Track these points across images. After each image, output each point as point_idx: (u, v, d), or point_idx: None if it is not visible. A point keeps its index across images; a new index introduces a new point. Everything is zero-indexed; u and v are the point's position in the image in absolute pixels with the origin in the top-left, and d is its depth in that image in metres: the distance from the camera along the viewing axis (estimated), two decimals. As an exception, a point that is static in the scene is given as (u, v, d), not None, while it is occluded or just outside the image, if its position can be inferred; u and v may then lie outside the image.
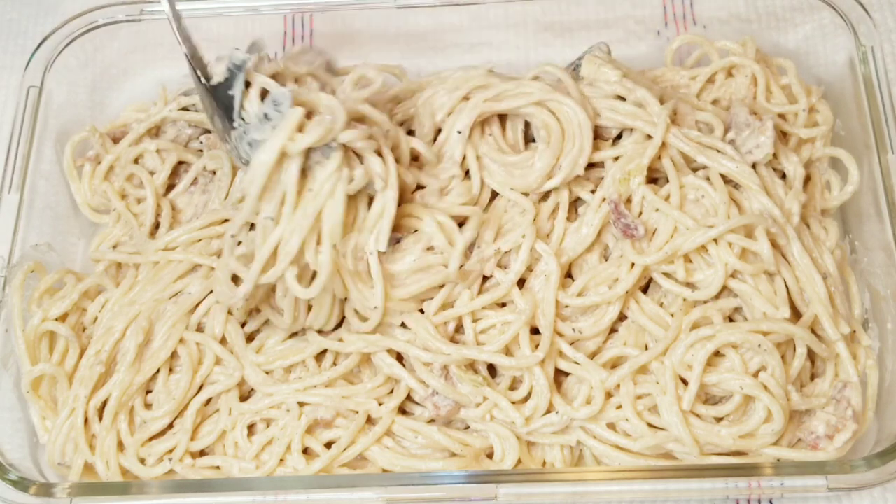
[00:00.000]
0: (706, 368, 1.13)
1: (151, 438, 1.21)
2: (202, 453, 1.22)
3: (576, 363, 1.17)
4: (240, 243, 1.14)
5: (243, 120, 1.10)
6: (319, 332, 1.20)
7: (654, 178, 1.23)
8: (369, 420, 1.18)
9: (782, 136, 1.29)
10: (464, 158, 1.22)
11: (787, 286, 1.17)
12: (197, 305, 1.24)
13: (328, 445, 1.18)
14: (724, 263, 1.15)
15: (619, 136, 1.25)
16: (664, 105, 1.21)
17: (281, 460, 1.17)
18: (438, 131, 1.24)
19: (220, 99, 1.10)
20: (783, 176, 1.26)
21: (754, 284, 1.16)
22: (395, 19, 1.45)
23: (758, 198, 1.19)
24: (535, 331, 1.18)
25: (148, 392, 1.23)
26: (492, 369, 1.19)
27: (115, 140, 1.40)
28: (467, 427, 1.19)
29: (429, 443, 1.17)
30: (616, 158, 1.22)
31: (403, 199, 1.17)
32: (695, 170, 1.22)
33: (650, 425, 1.14)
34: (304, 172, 1.09)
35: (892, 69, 1.39)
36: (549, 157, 1.20)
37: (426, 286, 1.16)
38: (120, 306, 1.25)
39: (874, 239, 1.22)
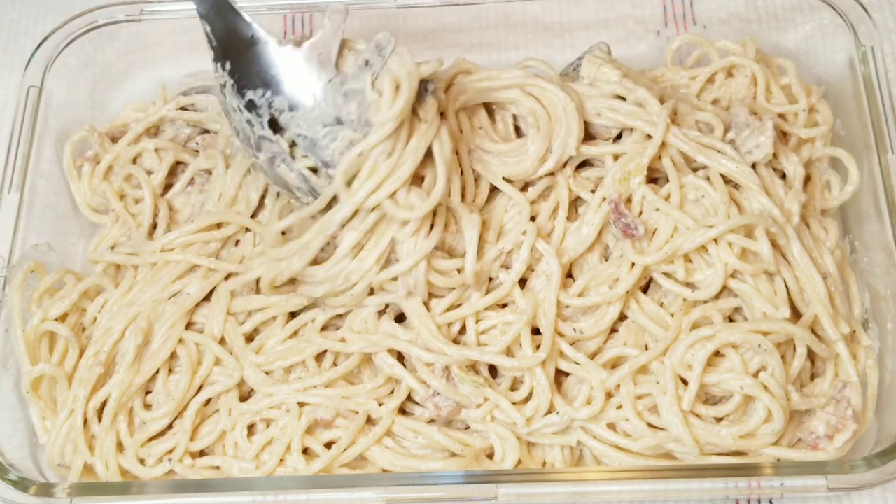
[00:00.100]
0: (706, 368, 1.13)
1: (151, 439, 1.21)
2: (202, 454, 1.22)
3: (576, 363, 1.17)
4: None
5: (338, 70, 1.14)
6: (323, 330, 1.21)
7: (654, 177, 1.23)
8: (369, 420, 1.18)
9: (782, 136, 1.29)
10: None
11: (787, 286, 1.17)
12: (197, 306, 1.25)
13: (328, 446, 1.18)
14: (724, 263, 1.15)
15: (619, 136, 1.25)
16: (664, 105, 1.22)
17: (281, 460, 1.17)
18: None
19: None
20: (783, 176, 1.26)
21: (754, 284, 1.16)
22: (395, 19, 1.44)
23: (758, 198, 1.19)
24: (535, 331, 1.18)
25: (147, 393, 1.23)
26: (493, 369, 1.19)
27: (114, 140, 1.40)
28: (467, 427, 1.19)
29: (429, 443, 1.17)
30: (616, 158, 1.22)
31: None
32: (695, 170, 1.22)
33: (650, 425, 1.14)
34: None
35: (892, 69, 1.39)
36: (541, 141, 1.20)
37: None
38: (119, 307, 1.25)
39: (874, 239, 1.22)
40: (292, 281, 1.20)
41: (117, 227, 1.35)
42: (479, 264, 1.17)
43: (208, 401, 1.22)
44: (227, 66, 1.16)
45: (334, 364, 1.21)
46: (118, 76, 1.46)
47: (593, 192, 1.23)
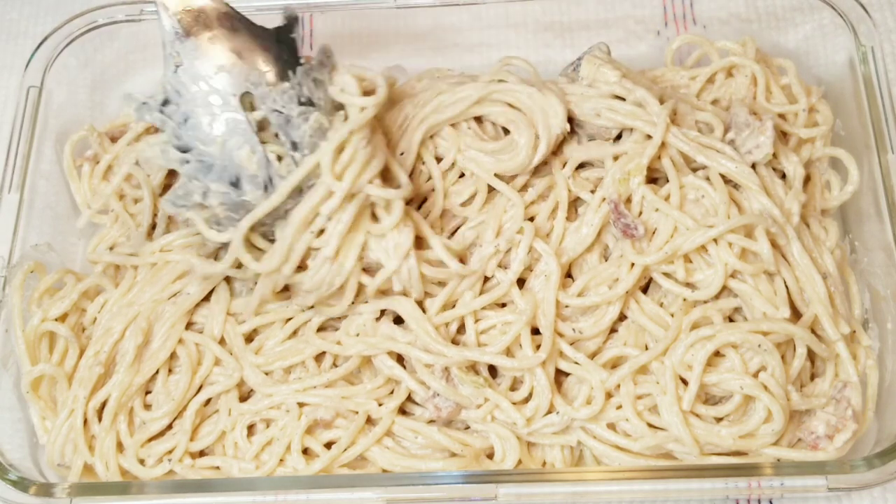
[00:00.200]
0: (706, 368, 1.13)
1: (151, 439, 1.21)
2: (202, 454, 1.22)
3: (576, 363, 1.17)
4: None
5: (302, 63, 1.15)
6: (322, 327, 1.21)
7: (653, 178, 1.23)
8: (369, 420, 1.18)
9: (782, 136, 1.29)
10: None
11: (787, 286, 1.17)
12: (196, 306, 1.25)
13: (328, 446, 1.18)
14: (724, 263, 1.15)
15: (618, 136, 1.25)
16: (664, 105, 1.22)
17: (281, 460, 1.17)
18: None
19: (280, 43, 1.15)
20: (783, 176, 1.26)
21: (754, 284, 1.16)
22: (395, 19, 1.45)
23: (758, 198, 1.19)
24: (534, 331, 1.18)
25: (147, 393, 1.23)
26: (492, 368, 1.19)
27: (114, 139, 1.40)
28: (467, 427, 1.19)
29: (429, 443, 1.17)
30: (616, 158, 1.22)
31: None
32: (695, 170, 1.22)
33: (650, 425, 1.14)
34: None
35: (892, 69, 1.39)
36: (526, 130, 1.21)
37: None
38: (119, 307, 1.25)
39: (874, 239, 1.22)
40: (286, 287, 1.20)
41: (116, 227, 1.35)
42: (458, 247, 1.19)
43: (208, 401, 1.22)
44: (198, 36, 1.14)
45: (334, 364, 1.21)
46: (118, 76, 1.46)
47: (593, 192, 1.23)
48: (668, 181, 1.21)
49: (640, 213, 1.20)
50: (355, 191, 1.11)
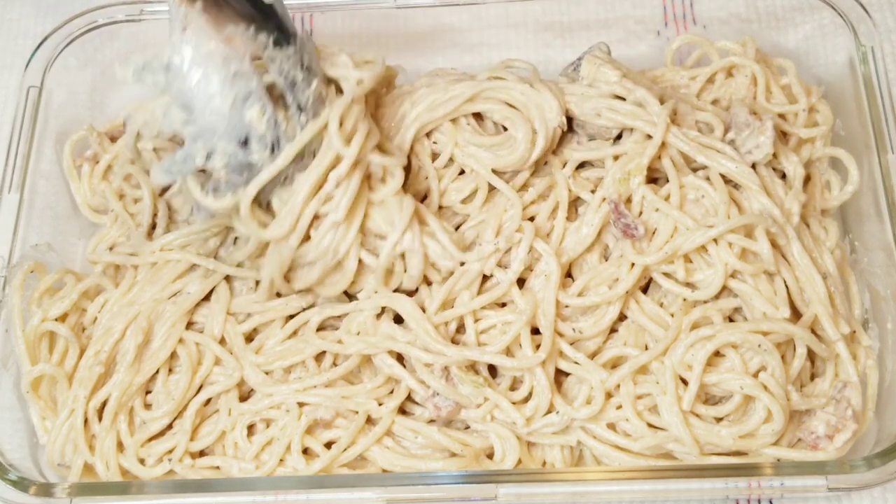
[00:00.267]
0: (706, 368, 1.13)
1: (151, 439, 1.21)
2: (202, 454, 1.22)
3: (576, 363, 1.17)
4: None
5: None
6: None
7: (654, 178, 1.23)
8: (369, 420, 1.18)
9: (782, 136, 1.29)
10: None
11: (787, 286, 1.17)
12: (197, 305, 1.25)
13: (328, 446, 1.18)
14: (724, 263, 1.15)
15: (619, 136, 1.25)
16: (664, 105, 1.22)
17: (281, 460, 1.17)
18: None
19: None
20: (783, 176, 1.26)
21: (754, 284, 1.16)
22: (395, 19, 1.45)
23: (758, 198, 1.19)
24: (534, 330, 1.18)
25: (147, 392, 1.23)
26: (492, 368, 1.19)
27: (114, 139, 1.40)
28: (467, 427, 1.19)
29: (429, 443, 1.17)
30: (616, 158, 1.22)
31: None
32: (695, 170, 1.22)
33: (650, 425, 1.14)
34: None
35: (892, 69, 1.39)
36: (523, 125, 1.22)
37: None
38: (119, 307, 1.25)
39: (874, 239, 1.22)
40: (287, 279, 1.20)
41: (116, 227, 1.35)
42: (458, 237, 1.20)
43: (208, 401, 1.22)
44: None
45: (334, 364, 1.21)
46: (117, 80, 1.45)
47: (593, 192, 1.23)
48: (668, 181, 1.21)
49: (641, 213, 1.20)
50: (360, 157, 1.12)
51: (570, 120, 1.26)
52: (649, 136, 1.21)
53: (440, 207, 1.25)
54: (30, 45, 1.41)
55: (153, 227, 1.33)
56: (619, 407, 1.16)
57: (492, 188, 1.24)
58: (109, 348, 1.22)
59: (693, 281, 1.17)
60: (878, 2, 1.45)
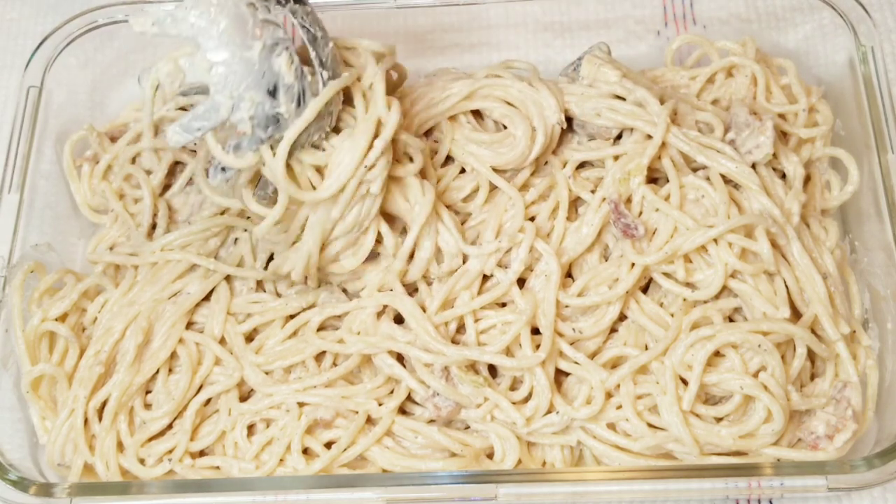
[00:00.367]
0: (706, 368, 1.13)
1: (151, 439, 1.21)
2: (202, 454, 1.22)
3: (576, 363, 1.17)
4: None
5: None
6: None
7: (654, 178, 1.23)
8: (369, 420, 1.18)
9: (782, 136, 1.29)
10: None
11: (787, 286, 1.17)
12: (197, 305, 1.25)
13: (328, 445, 1.18)
14: (724, 263, 1.15)
15: (619, 136, 1.25)
16: (664, 105, 1.22)
17: (281, 460, 1.17)
18: None
19: None
20: (783, 176, 1.26)
21: (754, 284, 1.16)
22: (395, 19, 1.45)
23: (758, 198, 1.19)
24: (534, 330, 1.18)
25: (147, 392, 1.23)
26: (492, 368, 1.19)
27: (114, 139, 1.40)
28: (467, 427, 1.19)
29: (429, 443, 1.17)
30: (616, 158, 1.22)
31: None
32: (695, 170, 1.22)
33: (650, 425, 1.14)
34: None
35: (892, 69, 1.39)
36: (521, 122, 1.22)
37: None
38: (119, 307, 1.25)
39: (874, 239, 1.22)
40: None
41: (116, 227, 1.35)
42: (464, 246, 1.20)
43: (208, 401, 1.22)
44: None
45: (334, 364, 1.21)
46: (118, 76, 1.46)
47: (593, 192, 1.23)
48: (668, 181, 1.21)
49: (641, 213, 1.20)
50: (397, 128, 1.11)
51: (570, 120, 1.26)
52: (649, 136, 1.21)
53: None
54: (30, 45, 1.41)
55: (153, 227, 1.33)
56: (619, 407, 1.16)
57: (493, 187, 1.24)
58: (109, 348, 1.22)
59: (693, 281, 1.17)
60: (878, 2, 1.45)
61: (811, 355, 1.18)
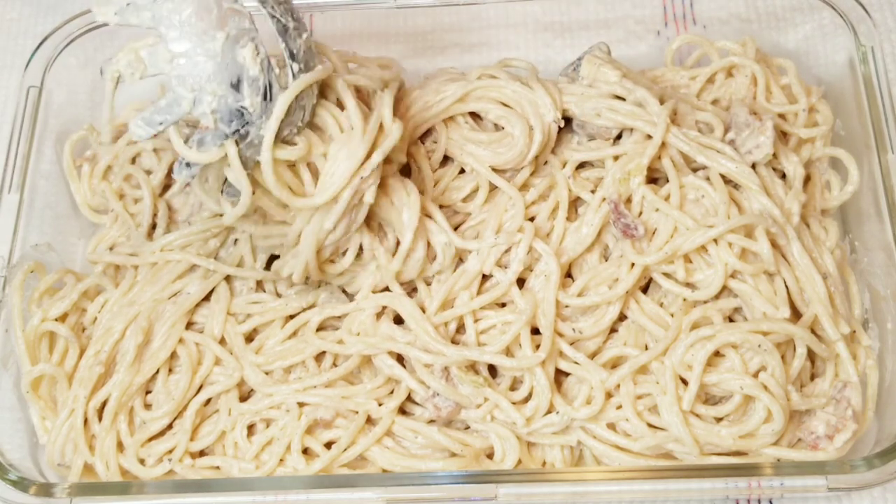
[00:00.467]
0: (706, 368, 1.13)
1: (151, 439, 1.21)
2: (202, 454, 1.22)
3: (576, 363, 1.17)
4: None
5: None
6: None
7: (654, 178, 1.23)
8: (369, 420, 1.18)
9: (782, 136, 1.29)
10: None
11: (787, 286, 1.17)
12: (197, 305, 1.25)
13: (328, 446, 1.18)
14: (724, 263, 1.15)
15: (619, 136, 1.25)
16: (664, 105, 1.22)
17: (281, 460, 1.17)
18: None
19: None
20: (783, 176, 1.26)
21: (754, 284, 1.16)
22: (395, 19, 1.45)
23: (758, 198, 1.19)
24: (534, 330, 1.18)
25: (147, 392, 1.23)
26: (492, 368, 1.19)
27: (114, 139, 1.40)
28: (467, 427, 1.19)
29: (429, 443, 1.17)
30: (616, 158, 1.22)
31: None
32: (695, 170, 1.22)
33: (650, 425, 1.14)
34: None
35: (892, 69, 1.39)
36: (518, 121, 1.22)
37: None
38: (119, 307, 1.25)
39: (874, 239, 1.22)
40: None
41: (116, 227, 1.35)
42: (457, 239, 1.19)
43: (208, 401, 1.22)
44: None
45: (334, 364, 1.21)
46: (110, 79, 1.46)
47: (593, 192, 1.23)
48: (668, 181, 1.21)
49: (640, 213, 1.20)
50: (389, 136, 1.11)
51: (569, 120, 1.26)
52: (649, 137, 1.21)
53: (441, 206, 1.25)
54: (30, 45, 1.41)
55: (153, 227, 1.33)
56: (619, 407, 1.16)
57: (493, 187, 1.24)
58: (109, 348, 1.22)
59: (693, 281, 1.17)
60: (878, 2, 1.45)
61: (811, 355, 1.18)
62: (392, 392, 1.19)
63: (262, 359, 1.21)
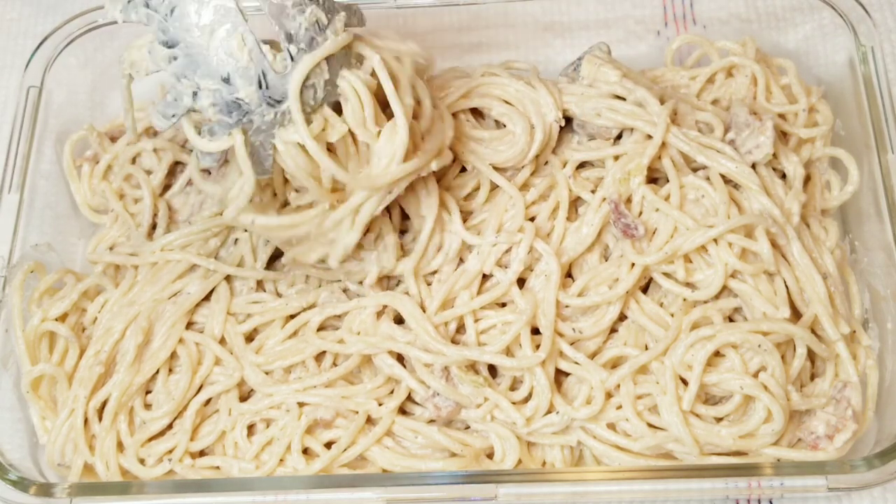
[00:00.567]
0: (706, 368, 1.13)
1: (151, 439, 1.21)
2: (202, 454, 1.22)
3: (576, 363, 1.17)
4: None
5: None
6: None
7: (654, 178, 1.24)
8: (369, 420, 1.18)
9: (782, 136, 1.29)
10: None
11: (787, 286, 1.17)
12: (197, 305, 1.25)
13: (328, 445, 1.18)
14: (724, 263, 1.15)
15: (619, 136, 1.25)
16: (664, 105, 1.22)
17: (281, 460, 1.17)
18: None
19: None
20: (783, 176, 1.26)
21: (754, 284, 1.16)
22: (395, 19, 1.44)
23: (758, 198, 1.19)
24: (534, 330, 1.18)
25: (147, 392, 1.23)
26: (492, 368, 1.19)
27: (114, 139, 1.40)
28: (467, 427, 1.19)
29: (429, 443, 1.17)
30: (616, 158, 1.22)
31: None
32: (695, 170, 1.23)
33: (650, 425, 1.14)
34: None
35: (892, 69, 1.39)
36: (520, 120, 1.22)
37: None
38: (119, 307, 1.25)
39: (874, 239, 1.22)
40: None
41: (116, 227, 1.35)
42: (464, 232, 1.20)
43: (208, 401, 1.22)
44: None
45: (334, 364, 1.21)
46: (118, 76, 1.45)
47: (593, 192, 1.23)
48: (668, 181, 1.21)
49: (641, 213, 1.20)
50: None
51: (570, 120, 1.26)
52: (649, 136, 1.21)
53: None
54: (30, 45, 1.41)
55: (153, 227, 1.33)
56: (619, 407, 1.16)
57: (493, 186, 1.24)
58: (109, 348, 1.22)
59: (693, 281, 1.17)
60: (878, 2, 1.45)
61: (811, 355, 1.18)
62: (392, 392, 1.20)
63: (262, 359, 1.21)
